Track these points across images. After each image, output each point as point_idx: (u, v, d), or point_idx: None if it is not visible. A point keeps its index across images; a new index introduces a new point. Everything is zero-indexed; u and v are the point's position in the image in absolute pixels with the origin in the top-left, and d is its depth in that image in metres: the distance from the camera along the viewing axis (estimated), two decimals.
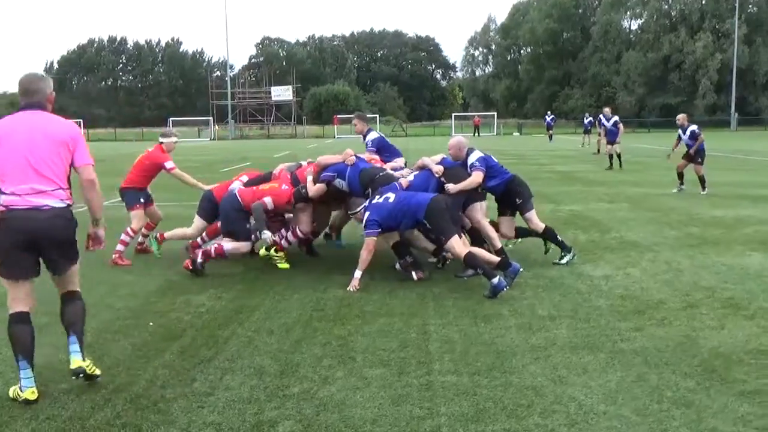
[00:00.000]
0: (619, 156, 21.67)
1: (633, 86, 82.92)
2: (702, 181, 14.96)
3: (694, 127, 15.37)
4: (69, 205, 4.41)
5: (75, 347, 4.41)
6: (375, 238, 7.03)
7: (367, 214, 7.10)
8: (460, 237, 7.12)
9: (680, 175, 15.27)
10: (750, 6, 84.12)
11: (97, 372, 4.50)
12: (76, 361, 4.37)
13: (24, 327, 4.35)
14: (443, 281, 7.21)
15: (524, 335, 5.37)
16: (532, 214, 8.22)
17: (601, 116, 24.19)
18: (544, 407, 4.05)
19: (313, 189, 7.83)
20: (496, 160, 8.18)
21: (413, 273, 7.28)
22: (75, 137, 4.40)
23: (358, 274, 6.96)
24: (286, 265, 7.97)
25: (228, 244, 7.81)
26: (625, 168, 21.75)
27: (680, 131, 15.61)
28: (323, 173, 7.92)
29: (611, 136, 22.03)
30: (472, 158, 7.82)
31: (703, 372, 4.57)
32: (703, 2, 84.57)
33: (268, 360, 4.90)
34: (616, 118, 22.53)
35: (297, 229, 8.19)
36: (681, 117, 15.94)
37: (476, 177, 7.65)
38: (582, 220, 11.30)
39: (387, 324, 5.70)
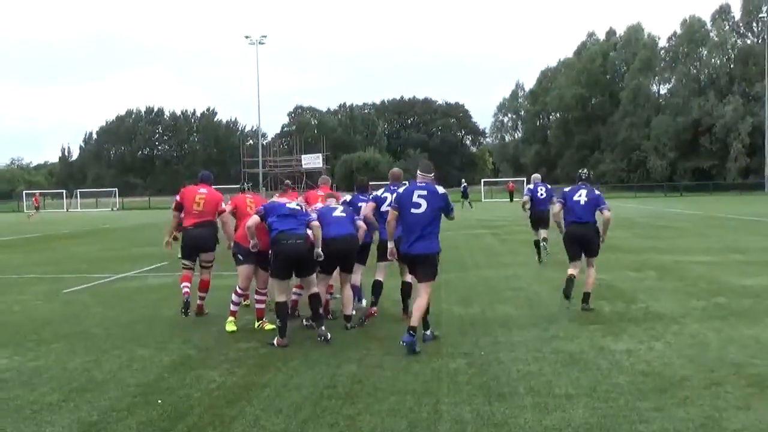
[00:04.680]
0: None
1: (664, 150, 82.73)
2: None
3: None
4: None
5: None
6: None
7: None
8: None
9: None
10: None
11: None
12: None
13: None
14: (461, 356, 7.05)
15: (539, 416, 5.19)
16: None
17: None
18: None
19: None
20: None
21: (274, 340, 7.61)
22: None
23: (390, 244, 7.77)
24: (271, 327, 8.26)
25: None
26: (656, 234, 21.47)
27: None
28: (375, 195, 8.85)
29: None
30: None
31: None
32: (732, 66, 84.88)
33: None
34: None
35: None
36: None
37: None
38: (607, 290, 11.07)
39: (398, 402, 5.56)
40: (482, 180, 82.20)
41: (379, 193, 9.03)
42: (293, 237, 7.65)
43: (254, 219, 7.96)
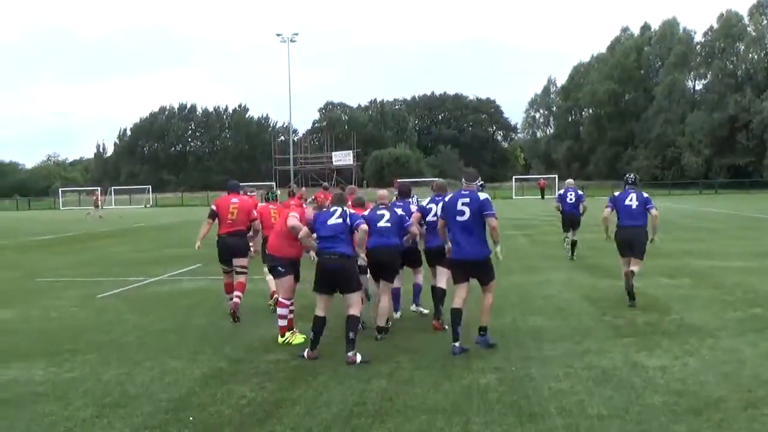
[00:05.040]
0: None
1: (699, 146, 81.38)
2: None
3: None
4: None
5: None
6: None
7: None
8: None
9: None
10: None
11: None
12: None
13: None
14: (492, 371, 7.00)
15: None
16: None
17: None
18: None
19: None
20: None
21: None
22: None
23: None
24: (301, 339, 8.27)
25: None
26: (691, 236, 21.16)
27: None
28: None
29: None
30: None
31: None
32: None
33: None
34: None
35: None
36: None
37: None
38: (641, 298, 10.87)
39: (428, 423, 5.53)
40: (513, 177, 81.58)
41: (424, 203, 9.49)
42: (329, 254, 7.64)
43: (305, 231, 7.96)
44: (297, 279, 8.55)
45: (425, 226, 9.17)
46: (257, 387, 6.62)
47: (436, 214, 8.84)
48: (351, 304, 7.65)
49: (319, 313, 7.68)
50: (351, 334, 7.45)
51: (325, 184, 11.86)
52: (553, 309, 10.27)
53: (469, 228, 7.77)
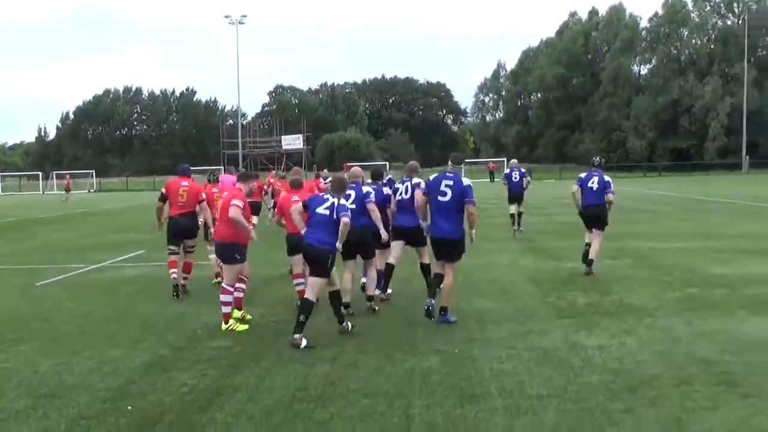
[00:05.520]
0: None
1: (643, 130, 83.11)
2: None
3: None
4: None
5: None
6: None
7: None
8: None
9: None
10: (759, 50, 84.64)
11: None
12: None
13: None
14: (434, 353, 7.05)
15: (509, 419, 5.21)
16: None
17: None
18: None
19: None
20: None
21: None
22: None
23: None
24: (244, 327, 8.28)
25: None
26: (634, 218, 21.66)
27: None
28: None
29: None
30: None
31: None
32: (712, 47, 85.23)
33: None
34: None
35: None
36: None
37: None
38: (583, 280, 11.16)
39: (370, 406, 5.55)
40: (463, 160, 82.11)
41: (396, 184, 10.05)
42: (309, 240, 7.81)
43: (298, 208, 8.13)
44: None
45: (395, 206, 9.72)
46: (199, 374, 6.55)
47: (403, 193, 9.53)
48: (310, 288, 7.75)
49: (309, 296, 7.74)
50: (302, 317, 7.44)
51: (281, 173, 11.90)
52: (498, 291, 10.40)
53: (448, 209, 8.35)
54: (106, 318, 9.23)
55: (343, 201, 7.97)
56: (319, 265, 7.69)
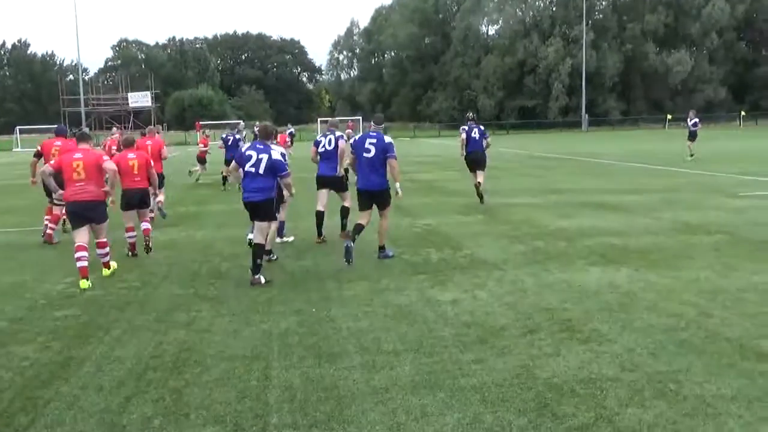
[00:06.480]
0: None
1: (492, 89, 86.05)
2: None
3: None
4: None
5: None
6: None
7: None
8: None
9: None
10: (596, 13, 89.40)
11: None
12: None
13: None
14: (292, 314, 7.03)
15: (367, 375, 5.29)
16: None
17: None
18: None
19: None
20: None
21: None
22: None
23: None
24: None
25: None
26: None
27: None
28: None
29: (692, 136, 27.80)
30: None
31: (537, 407, 4.64)
32: (554, 9, 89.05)
33: (93, 424, 4.55)
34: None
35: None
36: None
37: None
38: (436, 236, 11.47)
39: (227, 371, 5.45)
40: (318, 119, 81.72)
41: (318, 137, 11.67)
42: (248, 191, 8.53)
43: (233, 165, 8.94)
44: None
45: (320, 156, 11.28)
46: (42, 347, 6.17)
47: (327, 145, 11.13)
48: (258, 232, 8.50)
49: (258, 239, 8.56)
50: (258, 261, 8.27)
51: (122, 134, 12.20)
52: (354, 250, 10.46)
53: (373, 163, 9.42)
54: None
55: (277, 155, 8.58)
56: (263, 214, 8.48)
